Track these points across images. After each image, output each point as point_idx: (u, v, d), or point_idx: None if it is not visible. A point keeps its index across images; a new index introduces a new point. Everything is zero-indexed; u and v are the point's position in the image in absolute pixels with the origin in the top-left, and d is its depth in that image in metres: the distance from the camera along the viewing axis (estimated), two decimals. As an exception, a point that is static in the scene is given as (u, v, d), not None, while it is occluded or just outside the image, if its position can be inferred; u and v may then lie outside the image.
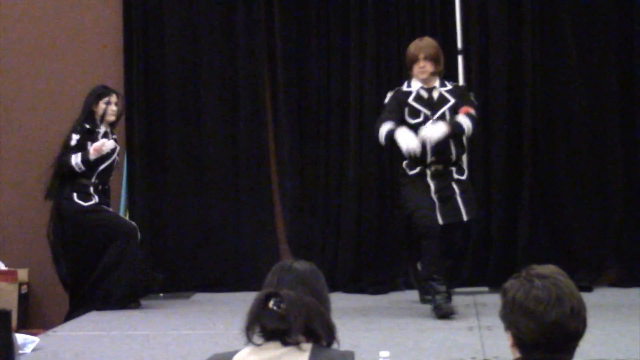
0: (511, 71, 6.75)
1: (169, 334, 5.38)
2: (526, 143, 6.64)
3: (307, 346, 2.38)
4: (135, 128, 7.01)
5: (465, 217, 5.59)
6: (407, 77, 5.77)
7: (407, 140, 5.43)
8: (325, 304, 2.46)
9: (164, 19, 7.03)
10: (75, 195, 6.18)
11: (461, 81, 6.49)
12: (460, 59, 6.56)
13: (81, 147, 6.20)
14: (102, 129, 6.30)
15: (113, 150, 6.32)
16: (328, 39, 6.94)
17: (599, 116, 6.73)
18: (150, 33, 7.05)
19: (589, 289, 6.37)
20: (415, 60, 5.62)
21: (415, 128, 5.57)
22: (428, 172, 5.60)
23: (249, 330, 2.40)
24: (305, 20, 6.97)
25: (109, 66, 7.11)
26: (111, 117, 6.33)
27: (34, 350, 4.91)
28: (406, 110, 5.63)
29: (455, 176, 5.64)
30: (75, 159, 6.17)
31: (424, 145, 5.52)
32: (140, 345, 5.10)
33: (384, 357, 3.27)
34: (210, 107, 7.05)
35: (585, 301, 2.23)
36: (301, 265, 2.51)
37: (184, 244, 7.01)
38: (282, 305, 2.37)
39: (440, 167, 5.61)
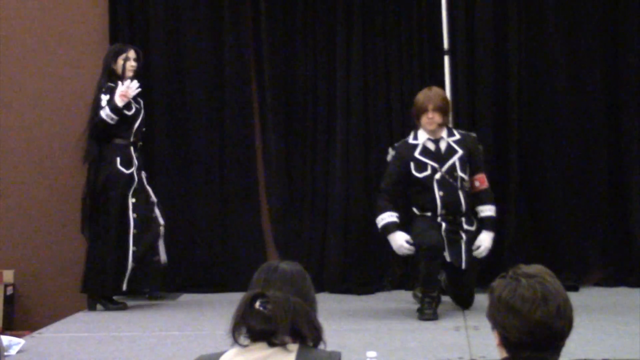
0: (497, 71, 6.76)
1: (155, 335, 5.37)
2: (512, 143, 6.65)
3: (294, 347, 2.38)
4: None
5: (464, 266, 5.62)
6: (414, 127, 5.80)
7: (397, 245, 5.54)
8: (311, 305, 2.46)
9: (149, 17, 7.01)
10: (118, 160, 6.17)
11: (447, 82, 6.48)
12: (446, 59, 6.56)
13: (118, 110, 6.17)
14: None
15: (140, 105, 6.30)
16: (314, 37, 6.94)
17: (585, 117, 6.75)
18: (136, 31, 7.03)
19: (575, 288, 6.40)
20: (423, 111, 5.65)
21: (423, 181, 5.64)
22: (439, 217, 5.65)
23: (235, 331, 2.39)
24: (292, 18, 6.96)
25: (95, 65, 7.07)
26: (129, 73, 6.28)
27: (19, 352, 4.88)
28: (412, 164, 5.67)
29: (465, 226, 5.68)
30: (105, 111, 6.15)
31: (434, 198, 5.61)
32: (127, 347, 5.08)
33: (371, 357, 3.27)
34: (197, 106, 7.03)
35: (572, 300, 2.24)
36: (287, 265, 2.50)
37: (171, 245, 6.97)
38: (269, 306, 2.36)
39: (450, 217, 5.65)
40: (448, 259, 5.60)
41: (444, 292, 5.86)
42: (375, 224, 6.73)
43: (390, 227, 5.59)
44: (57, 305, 6.81)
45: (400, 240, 5.54)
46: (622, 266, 6.68)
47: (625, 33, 6.69)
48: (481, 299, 5.74)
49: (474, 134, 5.93)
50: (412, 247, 5.54)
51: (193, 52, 7.02)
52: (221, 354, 2.43)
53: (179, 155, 7.04)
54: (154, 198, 6.32)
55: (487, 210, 5.74)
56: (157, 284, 6.45)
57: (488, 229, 5.70)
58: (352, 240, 6.84)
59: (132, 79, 6.26)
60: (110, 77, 6.26)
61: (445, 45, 6.53)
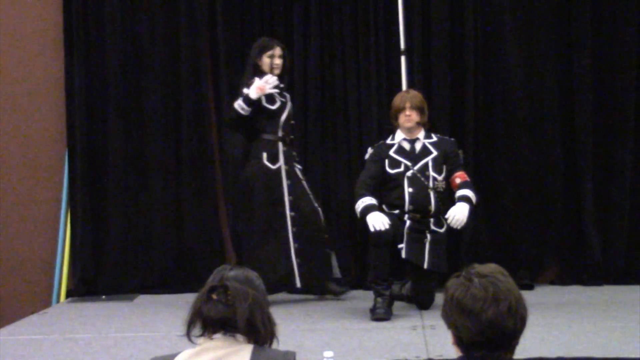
0: (453, 72, 6.81)
1: (110, 337, 5.32)
2: (468, 144, 6.70)
3: (248, 347, 2.38)
4: (77, 128, 6.92)
5: (425, 265, 5.64)
6: (393, 128, 5.87)
7: (377, 219, 5.47)
8: (267, 306, 2.47)
9: (105, 19, 6.95)
10: (264, 155, 6.08)
11: (404, 81, 6.51)
12: (403, 59, 6.59)
13: (250, 101, 6.06)
14: None
15: (285, 97, 6.20)
16: (271, 37, 6.92)
17: (540, 118, 6.82)
18: (91, 33, 6.96)
19: (530, 286, 6.47)
20: (401, 110, 5.76)
21: (394, 177, 5.72)
22: (406, 214, 5.68)
23: (191, 323, 2.39)
24: (249, 18, 6.95)
25: (49, 66, 7.02)
26: (276, 71, 6.16)
27: (-29, 355, 4.82)
28: (387, 162, 5.76)
29: (433, 227, 5.71)
30: (238, 101, 6.03)
31: (402, 194, 5.66)
32: (82, 349, 5.03)
33: (328, 357, 3.27)
34: (153, 107, 6.98)
35: (527, 299, 2.25)
36: (243, 269, 2.53)
37: (127, 246, 6.94)
38: (227, 296, 2.37)
39: (418, 216, 5.68)
40: (404, 255, 5.61)
41: (410, 300, 5.88)
42: (329, 227, 6.80)
43: (370, 208, 5.56)
44: (11, 307, 6.73)
45: (380, 216, 5.50)
46: (576, 265, 6.76)
47: (578, 35, 6.77)
48: (437, 298, 5.77)
49: (452, 139, 6.00)
50: (388, 224, 5.49)
51: (149, 55, 6.97)
52: (175, 355, 2.42)
53: (134, 156, 6.99)
54: (309, 191, 6.22)
55: (463, 192, 5.72)
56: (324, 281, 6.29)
57: (462, 201, 5.67)
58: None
59: (278, 76, 6.16)
60: (255, 73, 6.13)
61: (402, 45, 6.56)
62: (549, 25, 6.79)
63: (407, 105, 5.75)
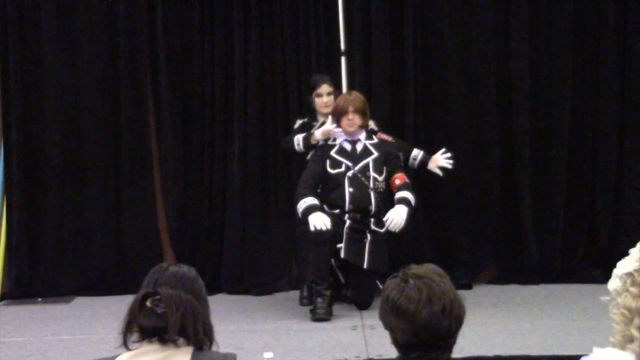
0: (393, 73, 6.86)
1: (47, 340, 5.25)
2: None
3: (188, 349, 2.36)
4: (13, 128, 6.80)
5: (365, 265, 5.67)
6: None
7: (318, 219, 5.53)
8: (203, 304, 2.45)
9: (41, 16, 6.83)
10: (328, 163, 5.94)
11: (344, 82, 6.53)
12: (343, 60, 6.61)
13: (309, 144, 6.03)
14: (319, 122, 6.13)
15: None
16: (212, 39, 6.88)
17: (478, 119, 6.89)
18: (27, 30, 6.83)
19: (468, 286, 6.54)
20: (344, 113, 5.79)
21: (335, 177, 5.78)
22: (346, 214, 5.72)
23: (127, 331, 2.36)
24: (189, 20, 6.90)
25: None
26: (322, 110, 6.12)
27: None
28: (328, 162, 5.82)
29: (373, 227, 5.76)
30: (297, 135, 6.04)
31: (343, 194, 5.73)
32: (16, 353, 4.95)
33: (268, 358, 3.27)
34: (91, 107, 6.89)
35: (465, 298, 2.27)
36: (179, 267, 2.50)
37: (64, 247, 6.84)
38: (160, 304, 2.34)
39: (358, 216, 5.72)
40: (343, 255, 5.64)
41: (350, 301, 5.91)
42: (269, 228, 6.81)
43: (312, 208, 5.62)
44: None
45: (322, 216, 5.56)
46: (514, 264, 6.85)
47: (516, 37, 6.86)
48: (377, 298, 5.80)
49: (393, 141, 6.03)
50: (329, 223, 5.54)
51: (87, 53, 6.86)
52: (114, 357, 2.39)
53: (72, 158, 6.88)
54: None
55: (402, 194, 5.78)
56: None
57: (400, 204, 5.74)
58: (249, 240, 6.83)
59: (329, 114, 6.00)
60: (307, 111, 6.18)
61: (342, 46, 6.59)
62: (487, 28, 6.87)
63: (350, 108, 5.79)
